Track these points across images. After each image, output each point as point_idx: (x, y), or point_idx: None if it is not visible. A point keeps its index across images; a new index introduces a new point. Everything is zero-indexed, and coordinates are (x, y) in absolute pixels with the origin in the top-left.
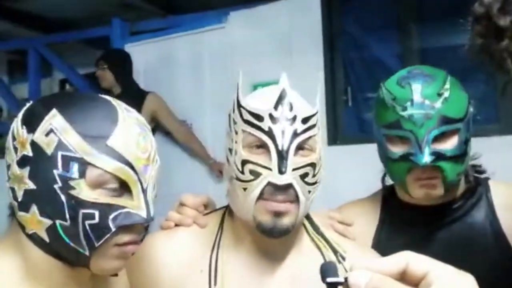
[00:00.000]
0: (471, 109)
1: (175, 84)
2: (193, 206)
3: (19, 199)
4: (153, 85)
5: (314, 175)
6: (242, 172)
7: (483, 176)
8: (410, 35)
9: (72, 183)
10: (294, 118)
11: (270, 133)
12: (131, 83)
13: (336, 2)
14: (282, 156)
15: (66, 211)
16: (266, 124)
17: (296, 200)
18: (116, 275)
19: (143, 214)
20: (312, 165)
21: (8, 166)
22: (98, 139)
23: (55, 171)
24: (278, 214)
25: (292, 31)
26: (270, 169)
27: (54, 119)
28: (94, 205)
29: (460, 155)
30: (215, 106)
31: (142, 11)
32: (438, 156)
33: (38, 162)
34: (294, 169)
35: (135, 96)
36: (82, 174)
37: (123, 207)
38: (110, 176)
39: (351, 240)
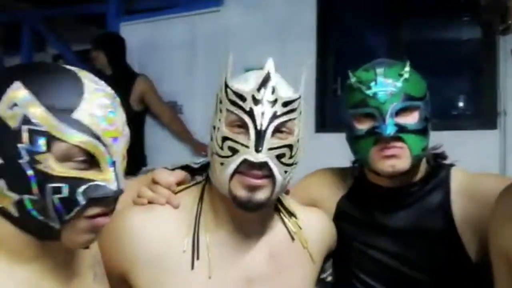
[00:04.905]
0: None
1: (168, 64)
2: (166, 185)
3: None
4: (146, 64)
5: (291, 157)
6: (222, 148)
7: (446, 162)
8: (398, 27)
9: (38, 157)
10: (275, 101)
11: (250, 113)
12: (123, 65)
13: None
14: (259, 136)
15: (34, 186)
16: (248, 104)
17: (271, 175)
18: (87, 247)
19: (113, 186)
20: (289, 146)
21: None
22: (64, 112)
23: (19, 146)
24: (252, 189)
25: (287, 18)
26: (247, 146)
27: (18, 91)
28: (62, 179)
29: (422, 130)
30: (206, 88)
31: None
32: (401, 128)
33: (3, 136)
34: (270, 149)
35: (125, 78)
36: (48, 148)
37: (93, 180)
38: (78, 149)
39: (306, 206)
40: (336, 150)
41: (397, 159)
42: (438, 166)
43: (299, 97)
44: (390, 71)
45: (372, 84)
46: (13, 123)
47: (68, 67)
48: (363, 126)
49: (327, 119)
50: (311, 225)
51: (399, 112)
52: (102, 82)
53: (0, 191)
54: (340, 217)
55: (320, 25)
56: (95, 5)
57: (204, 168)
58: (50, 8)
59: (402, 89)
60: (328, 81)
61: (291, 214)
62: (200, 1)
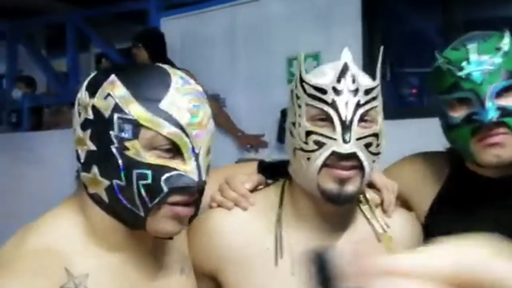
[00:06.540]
0: None
1: (210, 57)
2: (235, 189)
3: (82, 160)
4: (188, 58)
5: (377, 145)
6: (306, 143)
7: None
8: (453, 7)
9: (126, 143)
10: (357, 90)
11: (333, 105)
12: (164, 60)
13: None
14: (345, 126)
15: (122, 171)
16: (329, 96)
17: (360, 166)
18: (171, 238)
19: (194, 177)
20: (375, 135)
21: (74, 131)
22: (151, 101)
23: (111, 133)
24: (342, 181)
25: (330, 3)
26: (334, 139)
27: (112, 84)
28: (147, 165)
29: None
30: (249, 80)
31: None
32: (504, 112)
33: (97, 124)
34: (358, 139)
35: None
36: (135, 135)
37: (175, 169)
38: (163, 138)
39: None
40: (386, 137)
41: (502, 148)
42: None
43: (378, 85)
44: (485, 46)
45: (464, 63)
46: (106, 112)
47: (161, 65)
48: (458, 113)
49: None
50: (401, 233)
51: (501, 93)
52: (191, 80)
53: (94, 177)
54: (433, 213)
55: (365, 8)
56: (136, 2)
57: (276, 170)
58: (92, 7)
59: (502, 65)
60: (376, 65)
61: (373, 211)
62: None
